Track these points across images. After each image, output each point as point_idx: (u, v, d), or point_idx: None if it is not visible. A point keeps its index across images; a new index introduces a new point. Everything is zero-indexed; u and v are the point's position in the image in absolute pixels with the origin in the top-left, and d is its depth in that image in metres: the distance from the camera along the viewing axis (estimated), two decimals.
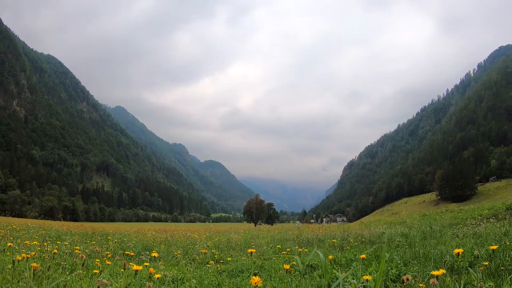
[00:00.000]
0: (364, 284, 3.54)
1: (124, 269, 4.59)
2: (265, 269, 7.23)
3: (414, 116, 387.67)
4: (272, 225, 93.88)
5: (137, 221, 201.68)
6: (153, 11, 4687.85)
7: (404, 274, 4.93)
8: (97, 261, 7.19)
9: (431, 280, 2.87)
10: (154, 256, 9.33)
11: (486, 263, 4.91)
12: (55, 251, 8.21)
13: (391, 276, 5.37)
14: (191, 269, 7.68)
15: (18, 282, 3.90)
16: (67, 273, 5.20)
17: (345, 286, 4.39)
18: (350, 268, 6.17)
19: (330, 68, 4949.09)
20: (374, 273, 3.76)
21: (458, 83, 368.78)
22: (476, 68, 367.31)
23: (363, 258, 5.89)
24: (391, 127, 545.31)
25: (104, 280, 3.17)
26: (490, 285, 3.28)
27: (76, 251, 9.15)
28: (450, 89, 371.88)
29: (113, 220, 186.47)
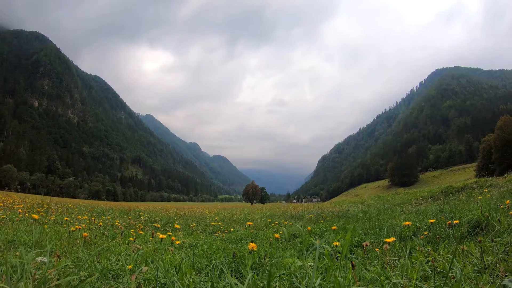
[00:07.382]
0: (334, 248, 3.56)
1: (153, 237, 4.60)
2: (259, 237, 7.22)
3: (372, 122, 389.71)
4: (264, 204, 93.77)
5: (162, 201, 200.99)
6: None
7: (364, 241, 4.96)
8: (132, 231, 7.19)
9: (384, 246, 2.92)
10: (176, 227, 9.36)
11: (426, 233, 4.95)
12: (100, 223, 8.17)
13: (354, 243, 5.42)
14: (203, 237, 7.69)
15: (72, 247, 3.91)
16: (109, 240, 5.20)
17: (319, 250, 4.41)
18: (324, 237, 6.18)
19: None
20: (341, 240, 3.77)
21: (404, 97, 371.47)
22: (418, 85, 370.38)
23: (333, 229, 5.91)
24: (354, 130, 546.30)
25: (137, 246, 3.17)
26: (428, 249, 3.32)
27: (116, 223, 9.12)
28: (398, 101, 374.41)
29: (144, 200, 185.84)
